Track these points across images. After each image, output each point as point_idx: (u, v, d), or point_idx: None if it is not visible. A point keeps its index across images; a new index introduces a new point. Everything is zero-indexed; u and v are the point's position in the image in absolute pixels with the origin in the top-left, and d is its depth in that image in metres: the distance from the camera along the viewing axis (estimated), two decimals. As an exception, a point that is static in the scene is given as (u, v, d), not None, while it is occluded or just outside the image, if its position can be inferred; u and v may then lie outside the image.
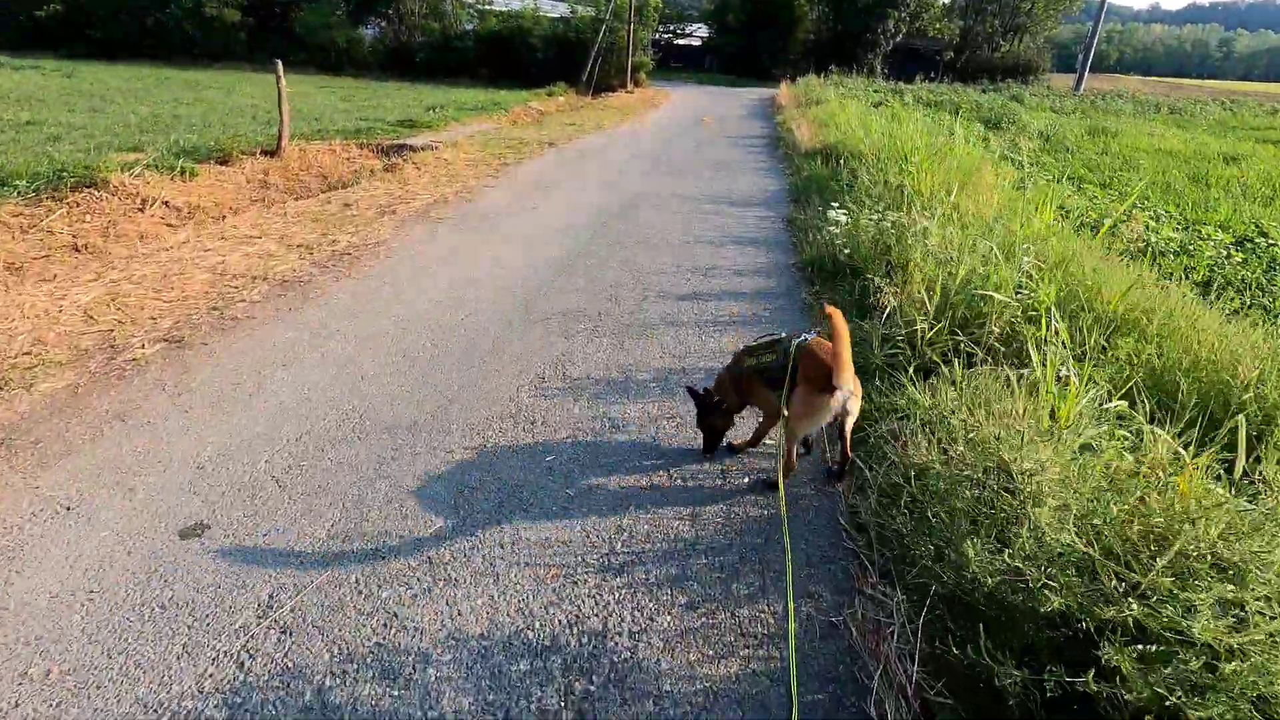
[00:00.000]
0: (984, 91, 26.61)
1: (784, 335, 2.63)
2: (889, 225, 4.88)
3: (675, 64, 42.31)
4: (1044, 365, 2.70)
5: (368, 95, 19.44)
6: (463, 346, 3.83)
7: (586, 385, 3.46)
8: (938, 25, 42.16)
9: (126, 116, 12.41)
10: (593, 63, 23.83)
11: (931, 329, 3.45)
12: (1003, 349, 3.31)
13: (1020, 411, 2.66)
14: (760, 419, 2.85)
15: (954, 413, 2.74)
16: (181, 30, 28.76)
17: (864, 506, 2.50)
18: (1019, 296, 3.40)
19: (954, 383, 3.01)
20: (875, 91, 23.09)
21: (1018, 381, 2.89)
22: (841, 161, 8.93)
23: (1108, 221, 5.03)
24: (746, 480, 2.75)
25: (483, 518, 2.48)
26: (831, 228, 5.22)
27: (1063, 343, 3.01)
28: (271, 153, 9.78)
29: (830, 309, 2.40)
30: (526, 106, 18.31)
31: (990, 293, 3.31)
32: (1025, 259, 3.70)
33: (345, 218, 6.44)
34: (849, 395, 2.40)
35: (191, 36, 28.88)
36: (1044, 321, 3.12)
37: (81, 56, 26.23)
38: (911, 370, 3.30)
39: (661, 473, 2.77)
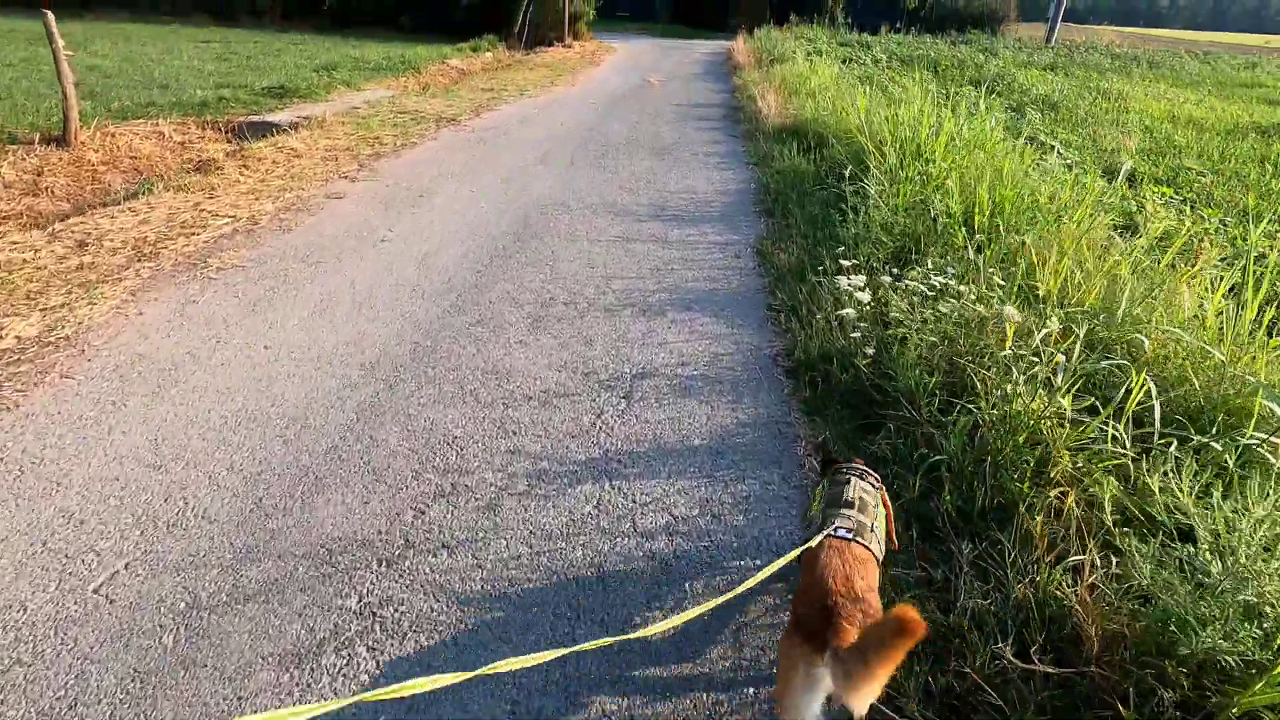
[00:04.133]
0: (954, 44, 24.42)
1: (846, 509, 1.58)
2: (950, 319, 2.74)
3: (622, 13, 38.87)
4: None
5: (252, 51, 16.24)
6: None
7: None
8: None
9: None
10: (524, 13, 20.82)
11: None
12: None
13: None
14: None
15: None
16: (37, -28, 24.39)
17: None
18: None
19: None
20: (841, 45, 20.71)
21: None
22: (825, 150, 6.71)
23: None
24: None
25: None
26: (847, 310, 3.05)
27: None
28: (58, 140, 7.10)
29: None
30: (444, 65, 15.53)
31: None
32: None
33: (59, 272, 3.99)
34: (845, 665, 1.20)
35: (49, -21, 24.52)
36: None
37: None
38: None
39: None
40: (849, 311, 3.03)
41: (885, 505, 1.73)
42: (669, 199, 6.08)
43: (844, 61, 15.13)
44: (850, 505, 1.62)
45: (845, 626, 1.28)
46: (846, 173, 4.84)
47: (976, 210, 4.11)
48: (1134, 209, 4.84)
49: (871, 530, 1.57)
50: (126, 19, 23.18)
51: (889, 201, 4.48)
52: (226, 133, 8.70)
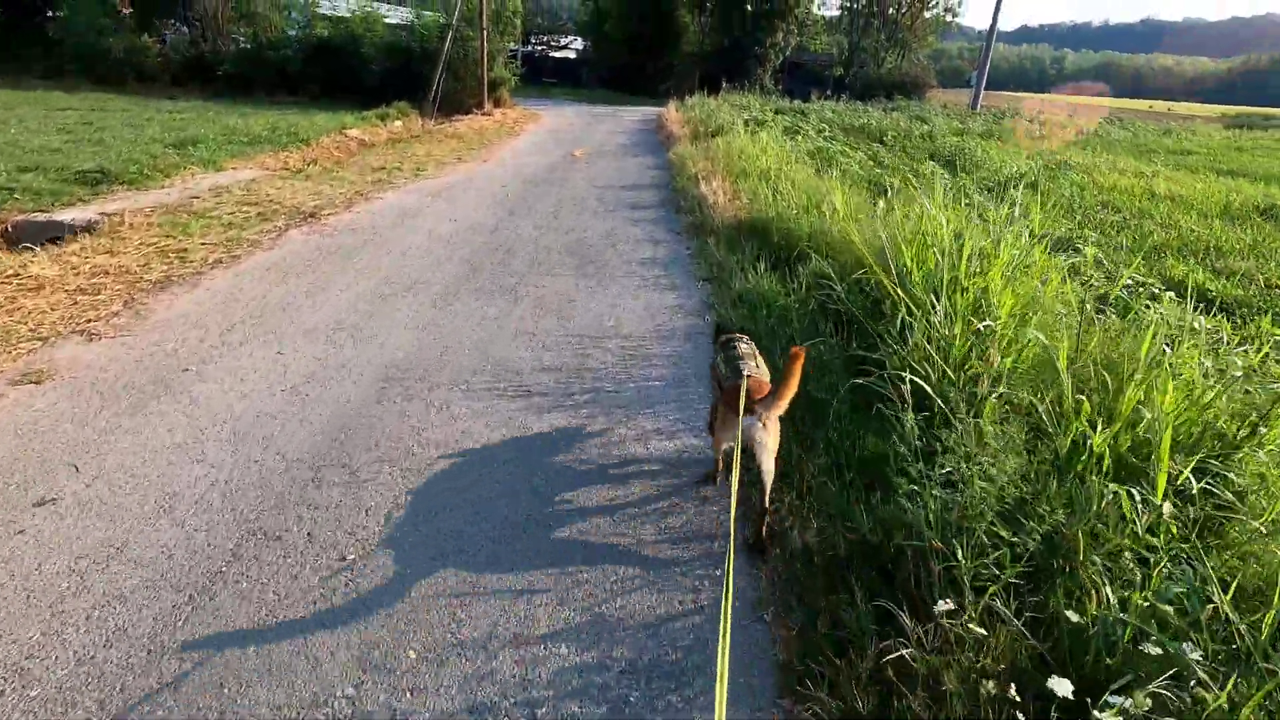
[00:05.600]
0: (888, 111, 24.07)
1: (742, 359, 2.70)
2: None
3: (549, 79, 38.01)
4: None
5: (113, 122, 13.74)
6: None
7: None
8: (823, 39, 40.35)
9: None
10: (438, 79, 19.12)
11: None
12: None
13: None
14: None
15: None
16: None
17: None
18: None
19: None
20: (777, 113, 19.77)
21: None
22: (804, 266, 4.89)
23: None
24: None
25: None
26: None
27: None
28: None
29: (796, 350, 2.33)
30: (342, 136, 13.49)
31: None
32: None
33: None
34: (757, 422, 2.33)
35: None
36: None
37: None
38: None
39: None
40: None
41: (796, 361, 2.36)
42: (590, 352, 4.07)
43: (787, 132, 13.88)
44: (744, 359, 2.69)
45: (762, 399, 2.35)
46: (804, 267, 2.94)
47: (1130, 436, 2.24)
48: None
49: (758, 367, 2.71)
50: (4, 84, 20.34)
51: (963, 413, 2.56)
52: (-7, 238, 6.33)
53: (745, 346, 2.80)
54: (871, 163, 10.64)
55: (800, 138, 12.97)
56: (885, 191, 8.37)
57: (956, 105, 30.22)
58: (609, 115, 22.98)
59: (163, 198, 7.67)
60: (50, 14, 24.79)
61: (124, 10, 25.52)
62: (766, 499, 2.36)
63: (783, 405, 2.32)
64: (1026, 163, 11.05)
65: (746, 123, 14.44)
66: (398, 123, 16.69)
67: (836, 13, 40.63)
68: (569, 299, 4.99)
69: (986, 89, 31.44)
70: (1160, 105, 58.57)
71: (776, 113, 19.96)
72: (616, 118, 22.08)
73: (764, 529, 2.40)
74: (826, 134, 14.79)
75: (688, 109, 18.70)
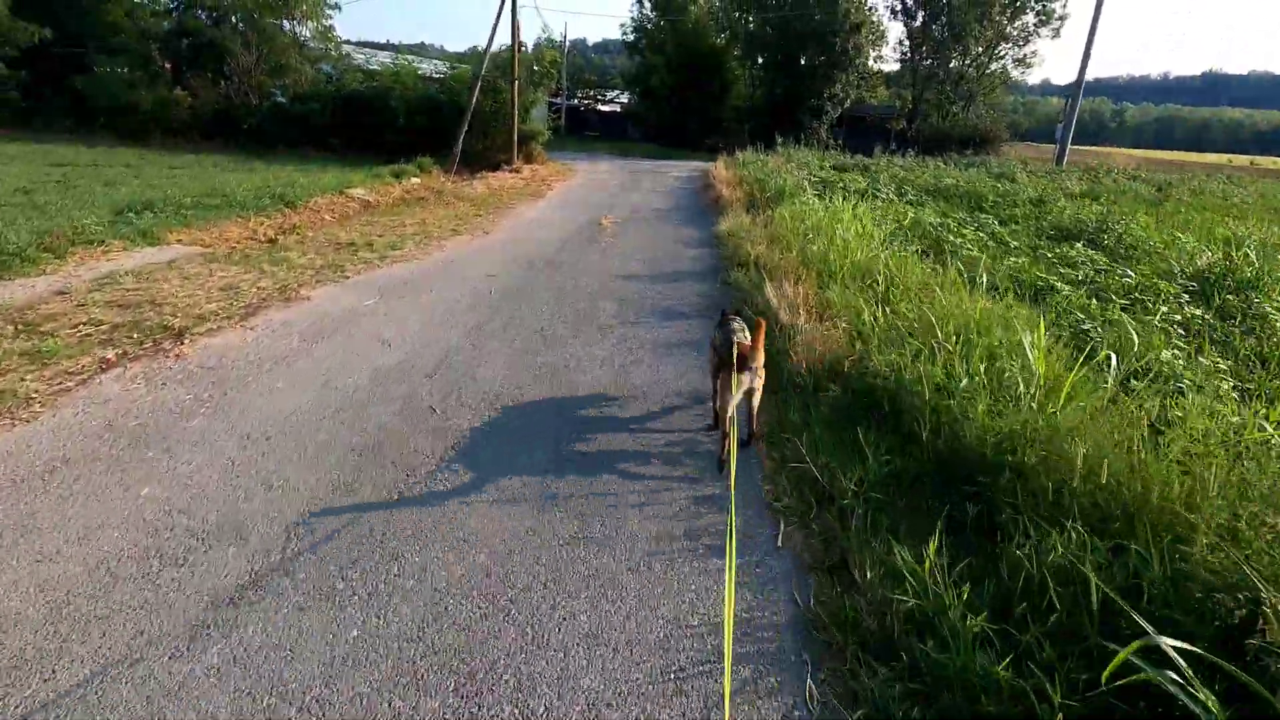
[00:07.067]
0: (963, 168, 21.28)
1: (736, 328, 3.61)
2: None
3: (592, 133, 36.59)
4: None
5: (90, 179, 11.99)
6: None
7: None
8: (882, 92, 38.05)
9: None
10: (460, 133, 17.29)
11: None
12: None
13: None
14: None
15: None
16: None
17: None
18: None
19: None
20: (839, 170, 17.19)
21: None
22: (1017, 531, 2.13)
23: None
24: None
25: None
26: None
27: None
28: None
29: (759, 320, 3.43)
30: (343, 197, 11.51)
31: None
32: None
33: None
34: (753, 374, 3.18)
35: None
36: None
37: None
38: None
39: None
40: None
41: (760, 329, 3.37)
42: None
43: (863, 194, 11.23)
44: (736, 330, 3.58)
45: (750, 358, 3.21)
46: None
47: None
48: None
49: (745, 335, 3.57)
50: (28, 140, 19.47)
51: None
52: None
53: (737, 324, 3.70)
54: (991, 242, 7.88)
55: (884, 204, 10.30)
56: (1040, 296, 5.60)
57: (1035, 160, 27.23)
58: (650, 171, 20.81)
59: (13, 294, 5.46)
60: (95, 69, 24.28)
61: (163, 67, 24.96)
62: (754, 417, 3.48)
63: (760, 358, 3.26)
64: (1178, 236, 8.03)
65: (814, 184, 11.89)
66: (415, 179, 14.73)
67: (896, 66, 38.31)
68: (500, 587, 2.32)
69: (1033, 142, 28.52)
70: (1241, 159, 54.25)
71: (837, 169, 17.42)
72: (658, 174, 19.86)
73: (753, 430, 3.53)
74: (910, 197, 12.10)
75: (740, 166, 16.28)
